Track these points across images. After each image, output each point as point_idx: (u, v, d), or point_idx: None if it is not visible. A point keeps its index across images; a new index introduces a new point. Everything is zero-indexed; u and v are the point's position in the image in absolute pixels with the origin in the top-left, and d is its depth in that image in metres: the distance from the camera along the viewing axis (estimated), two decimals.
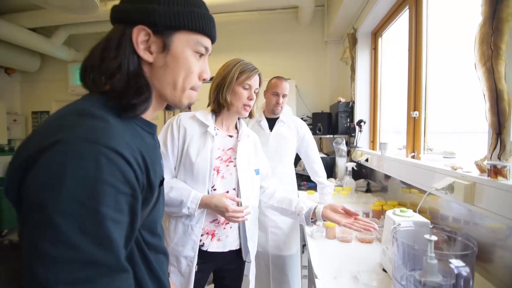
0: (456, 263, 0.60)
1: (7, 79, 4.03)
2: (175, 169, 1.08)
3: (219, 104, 1.08)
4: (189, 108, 1.00)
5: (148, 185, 0.48)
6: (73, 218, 0.36)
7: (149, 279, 0.52)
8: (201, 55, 0.56)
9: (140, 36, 0.48)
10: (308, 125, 3.10)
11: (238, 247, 1.12)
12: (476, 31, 0.91)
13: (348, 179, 2.10)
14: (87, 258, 0.37)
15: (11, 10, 3.12)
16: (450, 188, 0.94)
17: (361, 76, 2.58)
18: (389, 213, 0.94)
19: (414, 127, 1.72)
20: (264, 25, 3.46)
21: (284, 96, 1.69)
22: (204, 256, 1.05)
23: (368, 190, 2.17)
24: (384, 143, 1.80)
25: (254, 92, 1.09)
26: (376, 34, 2.45)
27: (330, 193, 1.77)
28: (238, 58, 1.10)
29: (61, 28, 3.41)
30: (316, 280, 0.90)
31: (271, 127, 1.77)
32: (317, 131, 2.88)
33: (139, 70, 0.50)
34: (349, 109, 2.66)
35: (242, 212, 1.01)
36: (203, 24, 0.53)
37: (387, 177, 1.81)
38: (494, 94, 0.88)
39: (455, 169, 1.00)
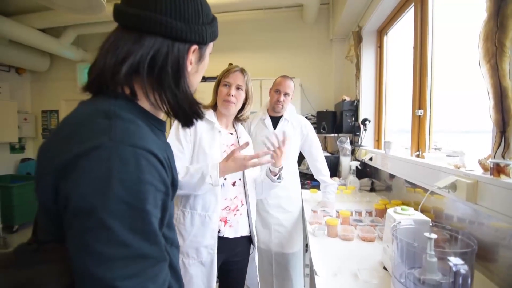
0: (454, 261, 0.60)
1: (18, 79, 4.13)
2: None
3: (212, 102, 1.25)
4: None
5: (172, 182, 0.51)
6: (123, 219, 0.39)
7: (170, 274, 0.55)
8: None
9: (191, 54, 0.53)
10: (312, 123, 3.10)
11: (248, 233, 1.22)
12: (481, 27, 0.90)
13: (352, 178, 2.09)
14: (138, 253, 0.40)
15: (21, 11, 3.20)
16: (453, 186, 0.93)
17: (366, 75, 2.56)
18: (390, 211, 0.94)
19: (419, 126, 1.70)
20: (269, 24, 3.46)
21: (286, 94, 1.70)
22: (219, 244, 1.11)
23: (372, 189, 2.15)
24: (388, 141, 1.79)
25: (238, 88, 1.18)
26: (381, 32, 2.43)
27: (333, 192, 1.76)
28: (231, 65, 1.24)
29: (70, 28, 3.48)
30: (315, 277, 0.91)
31: (274, 125, 1.78)
32: (322, 130, 2.87)
33: (188, 85, 0.54)
34: (354, 107, 2.64)
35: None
36: (217, 32, 0.60)
37: (392, 176, 1.80)
38: (499, 91, 0.87)
39: (458, 168, 0.99)
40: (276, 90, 1.71)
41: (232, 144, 1.23)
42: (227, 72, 1.20)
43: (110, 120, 0.43)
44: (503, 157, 0.84)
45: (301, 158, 1.98)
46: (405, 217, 0.87)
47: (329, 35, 3.30)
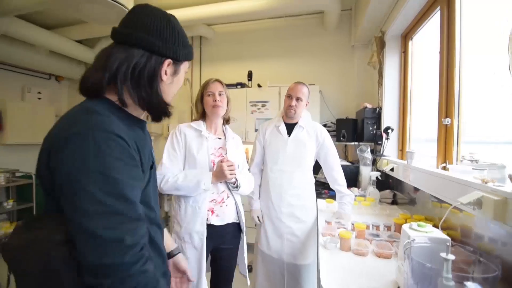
0: (472, 287, 0.53)
1: (56, 86, 4.51)
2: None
3: (199, 114, 1.46)
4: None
5: (141, 165, 0.63)
6: (99, 184, 0.51)
7: (150, 247, 0.66)
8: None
9: (165, 66, 0.67)
10: (332, 131, 3.03)
11: (236, 220, 1.42)
12: (509, 31, 0.82)
13: (372, 189, 1.99)
14: (114, 210, 0.52)
15: (60, 25, 3.52)
16: (478, 203, 0.84)
17: (389, 81, 2.45)
18: (405, 227, 0.87)
19: (445, 135, 1.59)
20: (289, 31, 3.46)
21: (298, 99, 1.67)
22: (208, 231, 1.30)
23: (394, 202, 2.02)
24: (411, 152, 1.68)
25: (220, 94, 1.39)
26: (406, 36, 2.32)
27: (349, 203, 1.68)
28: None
29: (103, 39, 3.75)
30: None
31: (289, 132, 1.75)
32: (341, 138, 2.79)
33: (160, 89, 0.68)
34: (376, 115, 2.53)
35: (232, 164, 1.30)
36: (192, 55, 0.75)
37: (416, 189, 1.68)
38: None
39: (486, 182, 0.90)
40: (288, 96, 1.69)
41: (220, 147, 1.43)
42: (206, 85, 1.41)
43: (89, 114, 0.57)
44: None
45: (319, 167, 1.92)
46: (421, 234, 0.80)
47: (351, 41, 3.22)
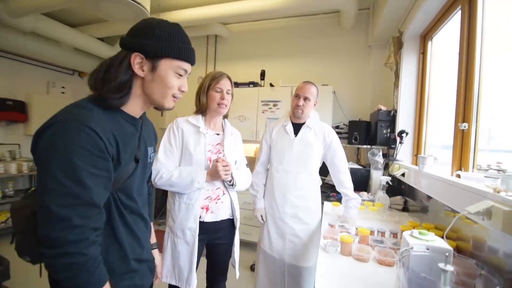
0: None
1: (80, 81, 4.71)
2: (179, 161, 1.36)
3: (200, 107, 1.39)
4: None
5: (117, 157, 0.69)
6: (61, 166, 0.59)
7: (125, 232, 0.74)
8: (181, 75, 0.76)
9: (136, 59, 0.70)
10: (344, 133, 2.96)
11: (230, 217, 1.41)
12: None
13: (381, 194, 1.92)
14: (69, 192, 0.59)
15: (84, 23, 3.68)
16: (487, 213, 0.79)
17: (405, 83, 2.35)
18: (405, 234, 0.83)
19: (462, 141, 1.50)
20: (304, 31, 3.42)
21: (306, 99, 1.64)
22: (201, 227, 1.31)
23: (405, 209, 1.94)
24: (423, 157, 1.60)
25: (227, 93, 1.36)
26: (425, 37, 2.22)
27: (355, 207, 1.63)
28: (213, 71, 1.40)
29: None
30: None
31: (296, 132, 1.73)
32: (353, 141, 2.71)
33: (130, 80, 0.71)
34: (391, 118, 2.44)
35: (228, 165, 1.30)
36: (183, 54, 0.73)
37: (430, 196, 1.60)
38: None
39: (498, 192, 0.83)
40: (296, 95, 1.67)
41: (218, 144, 1.40)
42: (216, 79, 1.35)
43: (76, 108, 0.65)
44: None
45: (328, 169, 1.88)
46: (421, 242, 0.76)
47: (368, 41, 3.12)
